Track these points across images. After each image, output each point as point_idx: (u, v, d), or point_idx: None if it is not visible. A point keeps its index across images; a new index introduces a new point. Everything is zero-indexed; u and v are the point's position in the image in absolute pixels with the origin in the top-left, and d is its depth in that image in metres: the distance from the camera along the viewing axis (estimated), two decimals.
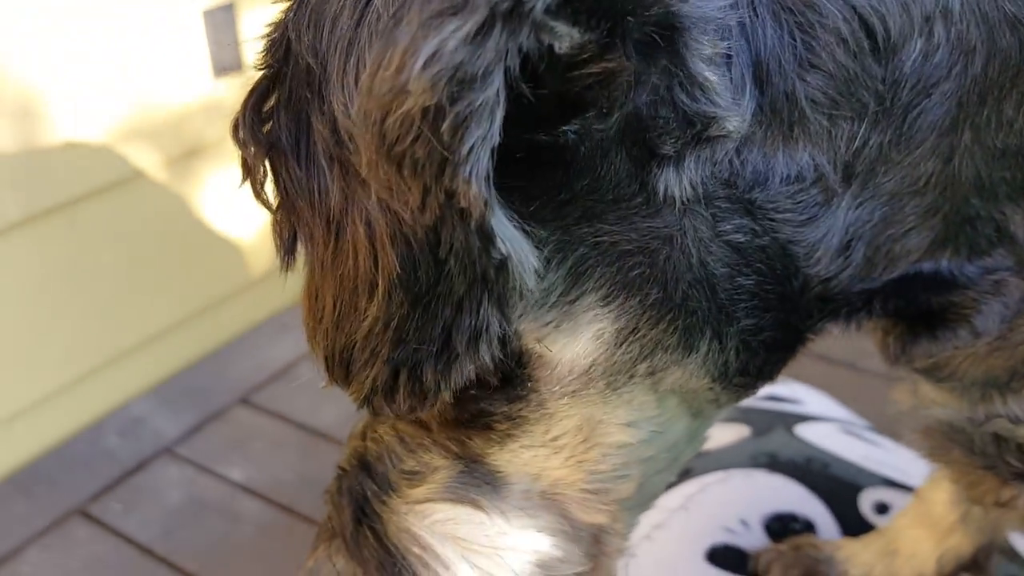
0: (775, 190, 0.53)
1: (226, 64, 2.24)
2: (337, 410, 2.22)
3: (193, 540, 1.95)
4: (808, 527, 1.02)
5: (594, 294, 0.53)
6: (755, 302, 0.57)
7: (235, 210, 2.40)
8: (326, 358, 0.53)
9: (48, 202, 2.00)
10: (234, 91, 2.29)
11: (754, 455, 1.10)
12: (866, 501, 1.04)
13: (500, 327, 0.49)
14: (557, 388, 0.59)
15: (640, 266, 0.52)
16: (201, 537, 1.95)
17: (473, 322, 0.48)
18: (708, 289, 0.55)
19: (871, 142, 0.54)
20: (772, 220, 0.54)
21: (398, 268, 0.46)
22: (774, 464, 1.08)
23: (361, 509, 0.67)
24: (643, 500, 0.69)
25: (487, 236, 0.43)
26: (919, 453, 0.75)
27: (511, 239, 0.45)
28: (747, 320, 0.57)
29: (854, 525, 1.01)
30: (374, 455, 0.67)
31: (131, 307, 2.26)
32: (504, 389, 0.59)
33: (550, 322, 0.55)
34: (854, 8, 0.49)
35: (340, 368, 0.53)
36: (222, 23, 2.19)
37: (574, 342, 0.56)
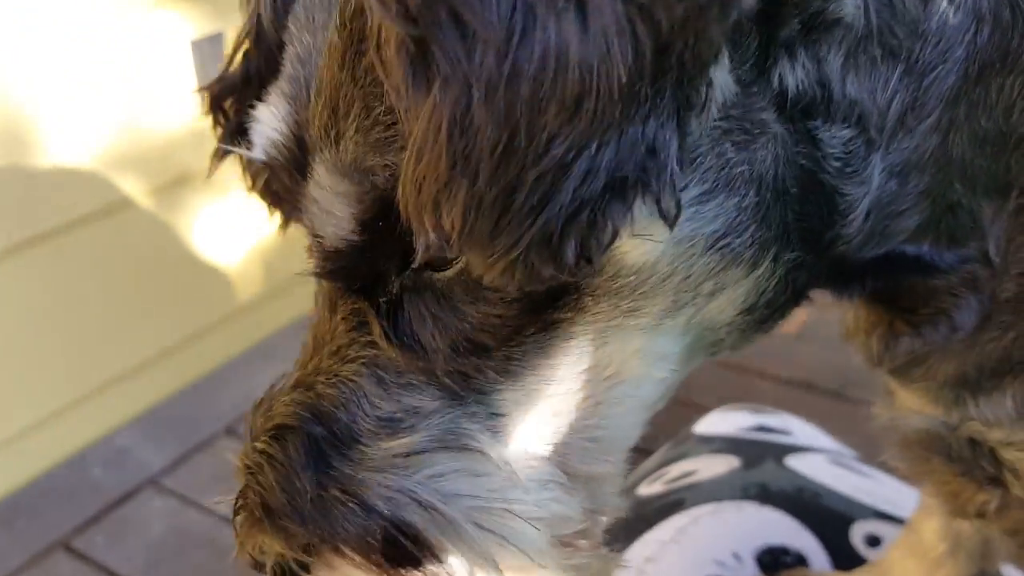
0: (834, 133, 0.55)
1: None
2: None
3: (178, 573, 1.93)
4: (800, 560, 1.02)
5: (697, 187, 0.51)
6: (805, 236, 0.58)
7: (221, 238, 2.40)
8: (466, 213, 0.43)
9: (36, 230, 2.00)
10: None
11: (745, 487, 1.10)
12: (857, 533, 1.04)
13: (677, 165, 0.44)
14: (611, 304, 0.56)
15: (743, 163, 0.51)
16: (186, 570, 1.93)
17: (666, 156, 0.43)
18: (783, 206, 0.56)
19: (898, 98, 0.55)
20: (828, 158, 0.56)
21: (625, 72, 0.39)
22: (765, 496, 1.08)
23: (323, 471, 0.59)
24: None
25: (717, 45, 0.41)
26: (902, 466, 0.77)
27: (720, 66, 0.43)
28: (797, 251, 0.58)
29: (845, 558, 1.01)
30: (337, 402, 0.60)
31: (116, 336, 2.25)
32: (554, 298, 0.55)
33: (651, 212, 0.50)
34: None
35: (486, 222, 0.43)
36: (210, 53, 2.20)
37: (660, 244, 0.53)
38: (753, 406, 1.31)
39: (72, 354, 2.17)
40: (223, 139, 0.72)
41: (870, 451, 1.11)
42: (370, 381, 0.60)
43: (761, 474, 1.12)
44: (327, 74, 0.55)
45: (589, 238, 0.44)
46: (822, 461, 1.17)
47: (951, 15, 0.54)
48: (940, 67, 0.55)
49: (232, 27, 2.23)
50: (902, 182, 0.59)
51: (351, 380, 0.60)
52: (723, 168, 0.51)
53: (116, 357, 2.26)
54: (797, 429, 1.27)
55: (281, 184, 0.63)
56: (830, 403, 2.21)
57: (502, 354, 0.58)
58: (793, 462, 1.15)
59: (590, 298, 0.56)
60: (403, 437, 0.59)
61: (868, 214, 0.59)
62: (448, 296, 0.57)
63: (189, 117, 2.21)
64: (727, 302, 0.59)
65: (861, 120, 0.56)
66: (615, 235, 0.44)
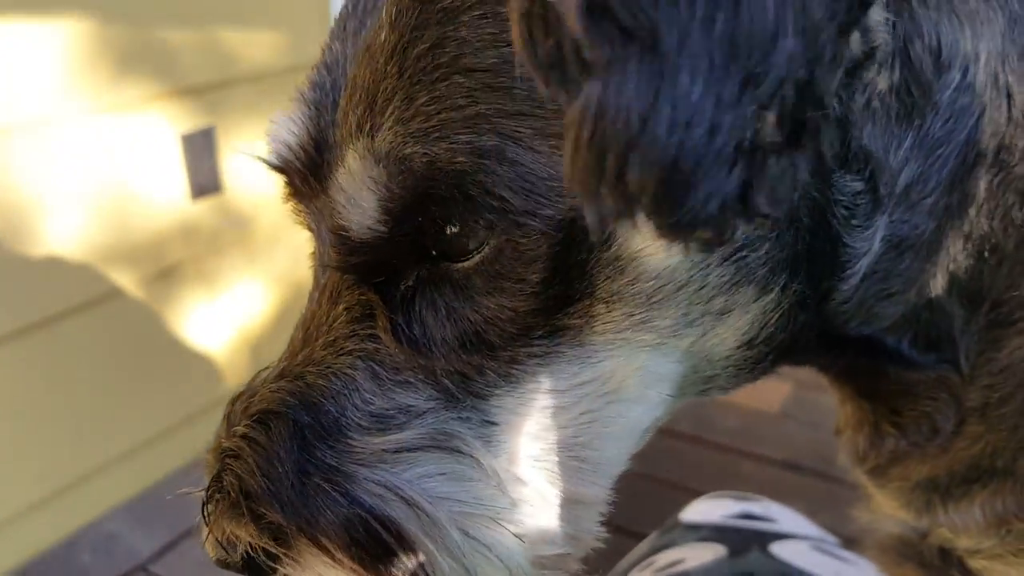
0: (847, 181, 0.57)
1: (204, 186, 2.29)
2: None
3: None
4: None
5: None
6: (811, 272, 0.60)
7: (209, 327, 2.42)
8: (663, 169, 0.40)
9: (29, 319, 2.02)
10: (212, 213, 2.34)
11: (732, 575, 1.12)
12: None
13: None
14: (624, 312, 0.56)
15: None
16: None
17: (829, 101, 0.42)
18: (795, 232, 0.58)
19: (908, 167, 0.58)
20: (837, 204, 0.58)
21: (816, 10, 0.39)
22: None
23: (306, 459, 0.58)
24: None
25: None
26: (879, 569, 0.79)
27: None
28: (802, 285, 0.59)
29: None
30: (327, 393, 0.59)
31: (106, 422, 2.25)
32: (562, 301, 0.56)
33: None
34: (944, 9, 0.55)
35: (685, 174, 0.41)
36: (201, 147, 2.26)
37: (682, 249, 0.51)
38: (737, 494, 1.34)
39: (62, 439, 2.17)
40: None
41: (851, 530, 1.14)
42: (365, 375, 0.59)
43: (747, 563, 1.15)
44: (365, 72, 0.57)
45: (780, 184, 0.42)
46: (805, 548, 1.19)
47: (960, 95, 0.57)
48: (944, 147, 0.58)
49: (222, 122, 2.29)
50: (896, 259, 0.61)
51: (344, 373, 0.59)
52: None
53: (106, 443, 2.26)
54: (780, 516, 1.30)
55: (296, 189, 0.63)
56: (814, 483, 2.23)
57: (507, 355, 0.58)
58: (777, 549, 1.18)
59: (603, 305, 0.57)
60: (394, 434, 0.58)
61: (864, 279, 0.61)
62: (465, 287, 0.57)
63: (179, 209, 2.26)
64: (731, 330, 0.60)
65: (873, 176, 0.58)
66: (799, 182, 0.43)
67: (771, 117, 0.40)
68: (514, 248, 0.55)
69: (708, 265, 0.56)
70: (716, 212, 0.41)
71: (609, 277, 0.56)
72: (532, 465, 0.60)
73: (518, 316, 0.57)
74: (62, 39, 1.91)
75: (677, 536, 1.26)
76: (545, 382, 0.58)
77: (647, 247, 0.55)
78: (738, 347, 0.62)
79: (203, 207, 2.31)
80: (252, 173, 2.43)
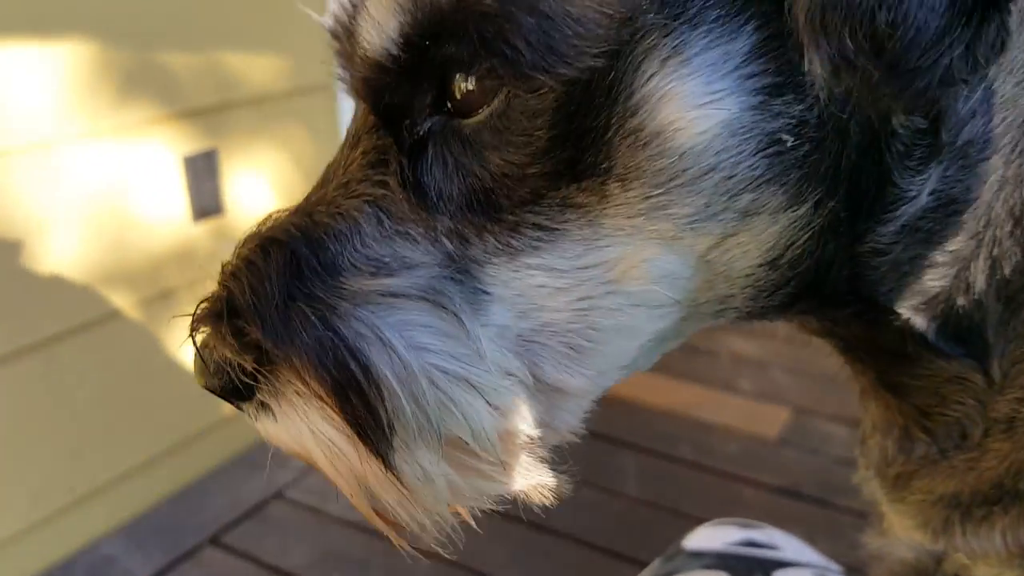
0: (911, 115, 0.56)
1: (206, 208, 2.29)
2: (308, 551, 2.19)
3: None
4: None
5: (772, 77, 0.52)
6: (851, 195, 0.58)
7: None
8: (911, 17, 0.45)
9: (26, 340, 2.01)
10: (212, 235, 2.34)
11: None
12: None
13: None
14: (639, 193, 0.55)
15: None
16: None
17: None
18: (841, 145, 0.56)
19: (973, 120, 0.58)
20: (895, 136, 0.57)
21: None
22: None
23: (296, 286, 0.59)
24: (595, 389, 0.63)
25: None
26: None
27: None
28: (839, 206, 0.58)
29: None
30: (330, 232, 0.60)
31: (103, 444, 2.24)
32: (580, 169, 0.54)
33: (721, 89, 0.52)
34: None
35: (932, 23, 0.46)
36: (203, 168, 2.26)
37: (715, 128, 0.53)
38: (741, 521, 1.33)
39: (58, 462, 2.16)
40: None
41: (854, 559, 1.14)
42: (369, 220, 0.59)
43: None
44: None
45: (992, 48, 0.46)
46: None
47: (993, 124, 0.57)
48: (1011, 111, 0.58)
49: (225, 144, 2.30)
50: (942, 221, 0.60)
51: (351, 215, 0.59)
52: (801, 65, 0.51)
53: (102, 465, 2.25)
54: (784, 543, 1.29)
55: (343, 50, 0.64)
56: (814, 510, 2.22)
57: (511, 220, 0.57)
58: None
59: (618, 183, 0.55)
60: (385, 279, 0.58)
61: (904, 231, 0.59)
62: (474, 142, 0.57)
63: (180, 231, 2.26)
64: (755, 241, 0.57)
65: (938, 119, 0.57)
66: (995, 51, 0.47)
67: None
68: (522, 103, 0.54)
69: (740, 152, 0.54)
70: (947, 67, 0.45)
71: (630, 149, 0.54)
72: (517, 342, 0.59)
73: (526, 177, 0.56)
74: (64, 62, 1.92)
75: (680, 563, 1.25)
76: (546, 259, 0.57)
77: (678, 119, 0.53)
78: (761, 264, 0.59)
79: (204, 229, 2.31)
80: (253, 195, 2.43)
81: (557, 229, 0.57)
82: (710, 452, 2.53)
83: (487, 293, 0.58)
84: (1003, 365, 0.63)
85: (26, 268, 1.96)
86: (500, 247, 0.57)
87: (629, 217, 0.56)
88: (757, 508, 2.22)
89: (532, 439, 0.61)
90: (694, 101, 0.53)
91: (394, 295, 0.58)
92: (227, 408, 2.50)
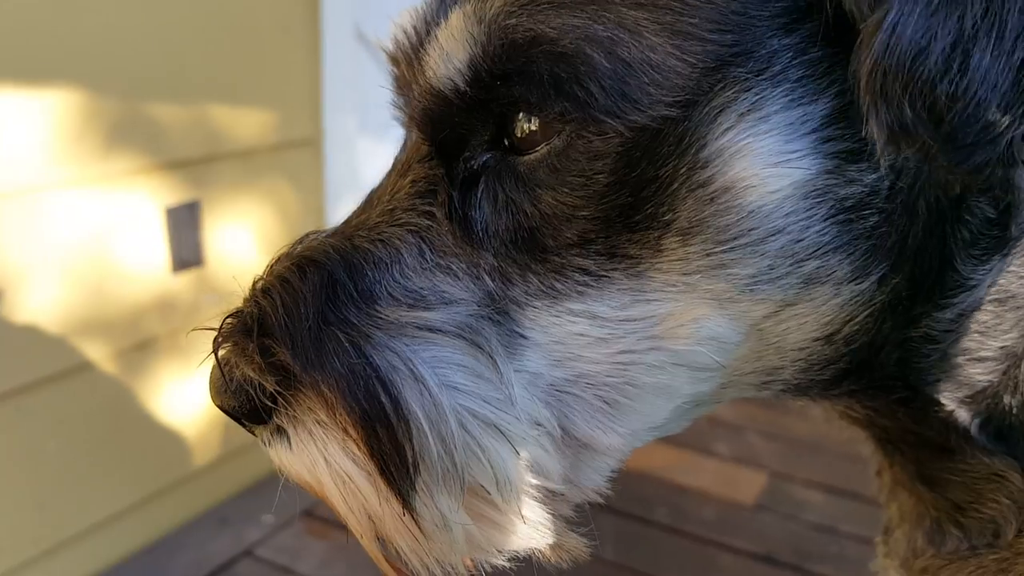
0: (982, 205, 0.55)
1: (186, 260, 2.29)
2: None
3: None
4: None
5: (847, 143, 0.51)
6: (913, 276, 0.56)
7: (181, 402, 2.39)
8: (975, 88, 0.45)
9: None
10: (192, 287, 2.33)
11: None
12: None
13: None
14: (699, 250, 0.53)
15: None
16: None
17: None
18: (908, 222, 0.55)
19: None
20: (962, 223, 0.56)
21: None
22: None
23: (330, 310, 0.57)
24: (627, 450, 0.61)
25: None
26: None
27: None
28: (901, 283, 0.56)
29: None
30: (370, 258, 0.58)
31: (69, 498, 2.20)
32: (641, 222, 0.53)
33: (797, 150, 0.51)
34: None
35: (996, 97, 0.45)
36: (185, 220, 2.26)
37: (797, 184, 0.52)
38: None
39: (23, 514, 2.11)
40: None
41: None
42: (411, 250, 0.58)
43: None
44: None
45: None
46: None
47: None
48: None
49: (208, 196, 2.30)
50: (998, 317, 0.58)
51: (392, 243, 0.58)
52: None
53: (68, 519, 2.20)
54: None
55: (400, 77, 0.64)
56: None
57: (556, 262, 0.55)
58: None
59: (678, 238, 0.53)
60: (422, 312, 0.56)
61: (958, 319, 0.58)
62: (528, 179, 0.55)
63: (159, 282, 2.25)
64: (814, 314, 0.55)
65: (1007, 211, 0.56)
66: None
67: None
68: (586, 144, 0.53)
69: (811, 216, 0.53)
70: (1007, 146, 0.44)
71: (696, 202, 0.52)
72: (549, 391, 0.57)
73: (576, 219, 0.54)
74: (50, 109, 1.92)
75: None
76: (589, 305, 0.55)
77: (751, 176, 0.52)
78: (816, 338, 0.57)
79: (184, 280, 2.30)
80: (235, 248, 2.43)
81: (604, 276, 0.55)
82: (687, 516, 2.51)
83: (524, 337, 0.56)
84: None
85: (0, 315, 1.94)
86: (543, 289, 0.56)
87: (685, 273, 0.54)
88: (733, 574, 2.20)
89: (555, 495, 0.59)
90: (769, 159, 0.52)
91: (431, 329, 0.56)
92: (200, 462, 2.47)
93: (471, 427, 0.55)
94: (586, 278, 0.55)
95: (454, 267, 0.58)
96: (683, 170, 0.53)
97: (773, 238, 0.53)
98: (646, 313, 0.55)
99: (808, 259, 0.54)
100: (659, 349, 0.56)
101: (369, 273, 0.58)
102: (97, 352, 2.16)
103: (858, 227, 0.54)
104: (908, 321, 0.59)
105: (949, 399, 0.62)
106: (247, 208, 2.45)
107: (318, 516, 2.44)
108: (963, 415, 0.62)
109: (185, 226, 2.26)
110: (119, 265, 2.15)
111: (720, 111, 0.52)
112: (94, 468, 2.25)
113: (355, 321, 0.56)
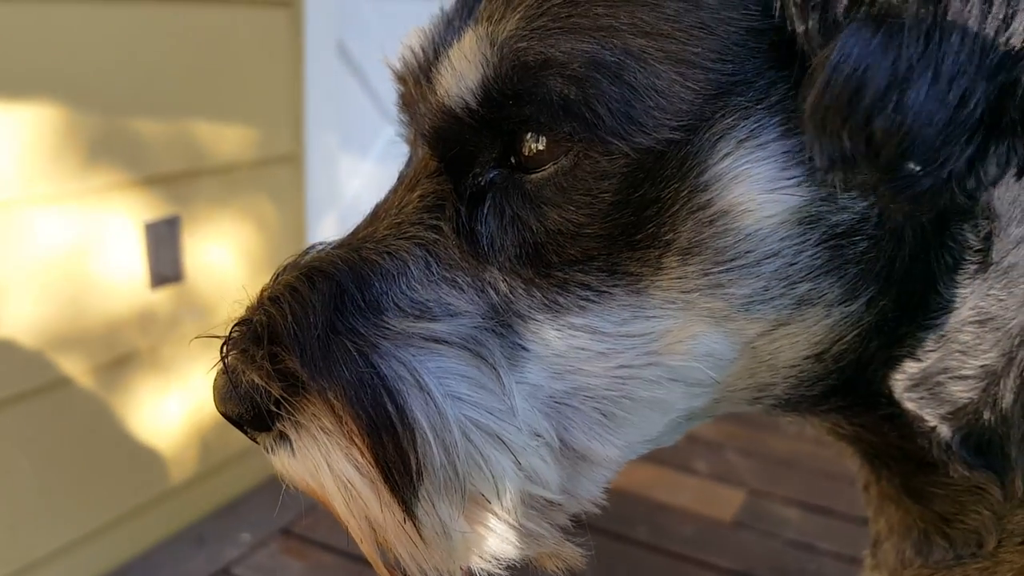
0: (964, 232, 0.57)
1: (165, 275, 2.28)
2: None
3: None
4: None
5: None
6: (900, 299, 0.58)
7: (159, 418, 2.37)
8: (914, 122, 0.46)
9: None
10: (170, 302, 2.32)
11: None
12: None
13: None
14: (698, 269, 0.55)
15: None
16: None
17: None
18: (895, 247, 0.57)
19: (1015, 252, 0.58)
20: (945, 249, 0.57)
21: None
22: None
23: (338, 319, 0.59)
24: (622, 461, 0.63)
25: None
26: None
27: None
28: (888, 305, 0.58)
29: None
30: (377, 269, 0.60)
31: (44, 517, 2.17)
32: (641, 243, 0.55)
33: (793, 177, 0.54)
34: None
35: (932, 132, 0.46)
36: (165, 235, 2.25)
37: (793, 210, 0.54)
38: None
39: (0, 532, 2.09)
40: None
41: None
42: (418, 263, 0.59)
43: None
44: None
45: (1012, 154, 0.47)
46: None
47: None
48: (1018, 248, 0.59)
49: (189, 211, 2.29)
50: (978, 337, 0.60)
51: (399, 255, 0.60)
52: None
53: (42, 538, 2.18)
54: None
55: (407, 95, 0.65)
56: None
57: (559, 277, 0.57)
58: None
59: (677, 257, 0.55)
60: (428, 323, 0.58)
61: (941, 340, 0.60)
62: (534, 197, 0.57)
63: (137, 297, 2.24)
64: (805, 333, 0.58)
65: (989, 238, 0.58)
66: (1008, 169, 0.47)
67: (1017, 96, 0.45)
68: (592, 164, 0.55)
69: (805, 241, 0.55)
70: (944, 177, 0.46)
71: (695, 224, 0.55)
72: (548, 403, 0.59)
73: (581, 236, 0.56)
74: (29, 124, 1.91)
75: None
76: (591, 320, 0.58)
77: (748, 201, 0.54)
78: (807, 356, 0.60)
79: (162, 296, 2.29)
80: (215, 263, 2.42)
81: (605, 292, 0.57)
82: (666, 534, 2.51)
83: (526, 349, 0.58)
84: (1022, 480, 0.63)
85: None
86: (546, 303, 0.58)
87: (684, 291, 0.56)
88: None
89: (552, 505, 0.61)
90: (766, 185, 0.54)
91: (436, 340, 0.58)
92: (176, 480, 2.45)
93: (474, 437, 0.57)
94: (588, 293, 0.57)
95: (460, 280, 0.59)
96: (684, 192, 0.55)
97: (768, 260, 0.55)
98: (645, 329, 0.58)
99: (801, 281, 0.56)
100: (657, 364, 0.59)
101: (376, 284, 0.59)
102: (73, 368, 2.14)
103: (848, 252, 0.56)
104: (893, 341, 0.61)
105: (932, 415, 0.63)
106: (227, 224, 2.45)
107: (296, 535, 2.42)
108: (945, 431, 0.63)
109: (164, 241, 2.25)
110: (97, 280, 2.14)
111: (720, 137, 0.54)
112: (69, 486, 2.22)
113: (362, 331, 0.58)
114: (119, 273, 2.19)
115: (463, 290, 0.59)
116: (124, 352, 2.24)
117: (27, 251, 1.97)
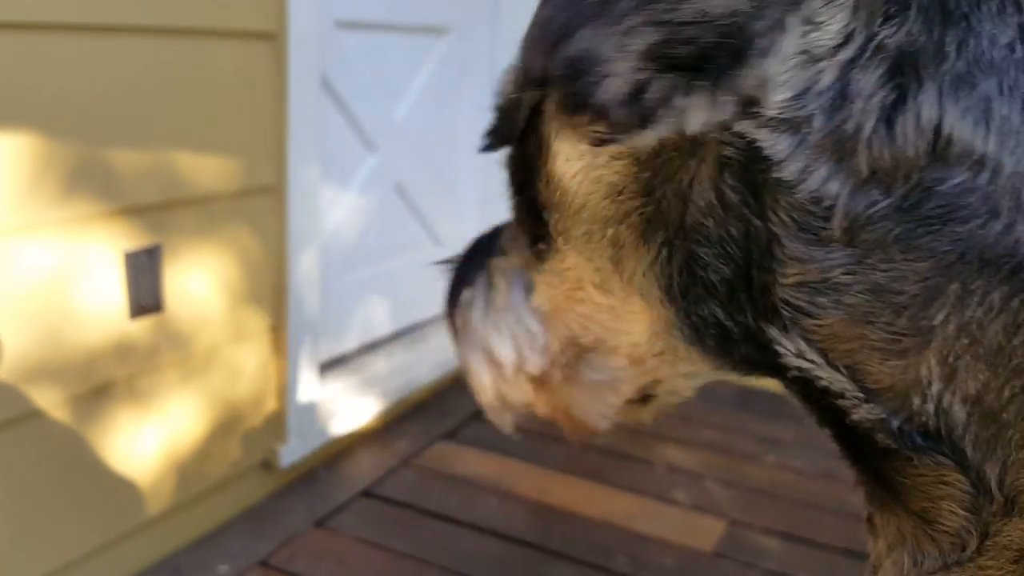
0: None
1: (144, 305, 2.27)
2: None
3: None
4: None
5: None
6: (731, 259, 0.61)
7: (134, 449, 2.35)
8: (588, 45, 0.50)
9: None
10: (150, 332, 2.31)
11: None
12: None
13: None
14: (580, 216, 0.66)
15: None
16: None
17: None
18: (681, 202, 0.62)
19: (879, 210, 0.51)
20: (778, 210, 0.54)
21: None
22: None
23: (484, 252, 0.85)
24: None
25: None
26: None
27: None
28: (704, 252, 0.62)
29: None
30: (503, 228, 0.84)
31: (14, 551, 2.14)
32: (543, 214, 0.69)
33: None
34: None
35: (594, 57, 0.50)
36: (145, 264, 2.24)
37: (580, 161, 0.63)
38: None
39: None
40: None
41: None
42: (512, 223, 0.80)
43: None
44: None
45: (665, 106, 0.50)
46: None
47: (965, 191, 0.49)
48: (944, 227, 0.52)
49: (169, 241, 2.29)
50: (874, 306, 0.54)
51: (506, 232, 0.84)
52: None
53: (17, 571, 2.15)
54: None
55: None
56: None
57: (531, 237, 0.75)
58: None
59: (560, 209, 0.69)
60: (507, 256, 0.82)
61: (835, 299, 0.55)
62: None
63: (116, 327, 2.23)
64: (643, 265, 0.66)
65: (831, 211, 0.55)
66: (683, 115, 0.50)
67: (691, 43, 0.48)
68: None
69: (594, 194, 0.64)
70: (609, 99, 0.50)
71: (548, 189, 0.68)
72: (543, 319, 0.78)
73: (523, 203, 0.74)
74: (8, 153, 1.91)
75: None
76: (548, 264, 0.74)
77: (558, 158, 0.65)
78: (663, 293, 0.69)
79: (141, 326, 2.28)
80: (196, 293, 2.41)
81: (547, 245, 0.76)
82: (646, 565, 2.51)
83: (532, 283, 0.78)
84: (1004, 486, 0.58)
85: None
86: (535, 252, 0.78)
87: (585, 232, 0.70)
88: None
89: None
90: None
91: (513, 268, 0.81)
92: (150, 510, 2.43)
93: (504, 327, 0.81)
94: (543, 243, 0.77)
95: (516, 233, 0.80)
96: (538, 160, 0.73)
97: (581, 211, 0.69)
98: (567, 265, 0.76)
99: (607, 228, 0.69)
100: (580, 302, 0.76)
101: (504, 232, 0.85)
102: (49, 399, 2.13)
103: (631, 202, 0.66)
104: (746, 290, 0.64)
105: (863, 393, 0.60)
106: (208, 254, 2.45)
107: (274, 567, 2.40)
108: (875, 409, 0.59)
109: (145, 271, 2.24)
110: (75, 310, 2.13)
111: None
112: (43, 518, 2.20)
113: (487, 258, 0.85)
114: (98, 302, 2.18)
115: (517, 239, 0.80)
116: (101, 382, 2.23)
117: (3, 281, 1.96)
